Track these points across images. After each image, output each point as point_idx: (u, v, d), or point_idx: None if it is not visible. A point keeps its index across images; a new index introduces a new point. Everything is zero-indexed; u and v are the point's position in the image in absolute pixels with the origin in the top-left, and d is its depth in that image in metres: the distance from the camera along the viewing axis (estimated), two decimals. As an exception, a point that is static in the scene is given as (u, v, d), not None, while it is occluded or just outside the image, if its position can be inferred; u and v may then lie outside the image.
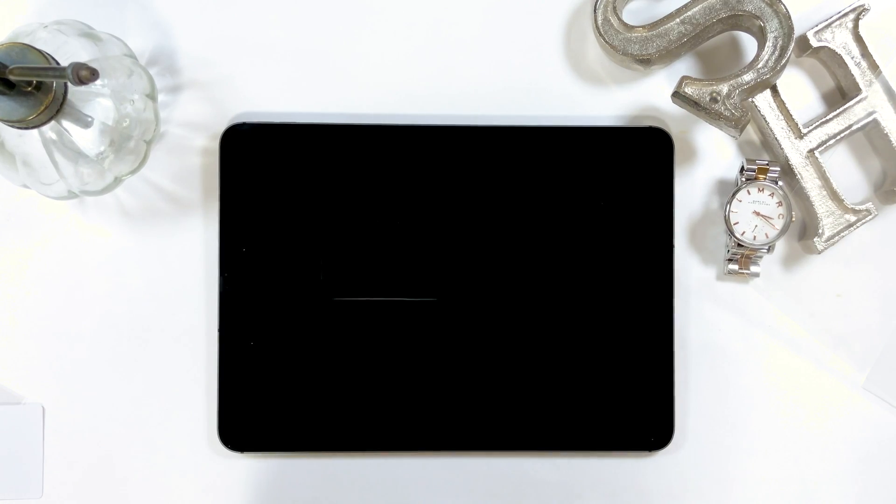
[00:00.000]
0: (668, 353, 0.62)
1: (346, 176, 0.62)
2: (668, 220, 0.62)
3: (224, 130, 0.62)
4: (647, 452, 0.63)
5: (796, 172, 0.61)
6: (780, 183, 0.61)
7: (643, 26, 0.61)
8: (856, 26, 0.61)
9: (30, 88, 0.53)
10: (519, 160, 0.62)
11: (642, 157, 0.62)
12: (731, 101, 0.59)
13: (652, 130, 0.62)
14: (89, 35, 0.58)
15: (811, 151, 0.61)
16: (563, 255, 0.62)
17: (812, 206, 0.61)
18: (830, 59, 0.62)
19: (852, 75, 0.61)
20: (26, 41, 0.54)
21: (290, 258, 0.62)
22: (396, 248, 0.62)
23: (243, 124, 0.62)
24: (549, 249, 0.62)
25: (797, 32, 0.60)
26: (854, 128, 0.61)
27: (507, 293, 0.62)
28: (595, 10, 0.61)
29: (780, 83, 0.61)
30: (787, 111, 0.61)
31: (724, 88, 0.59)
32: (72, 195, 0.58)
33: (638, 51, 0.61)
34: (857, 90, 0.61)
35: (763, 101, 0.61)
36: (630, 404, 0.62)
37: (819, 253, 0.61)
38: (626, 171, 0.62)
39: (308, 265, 0.62)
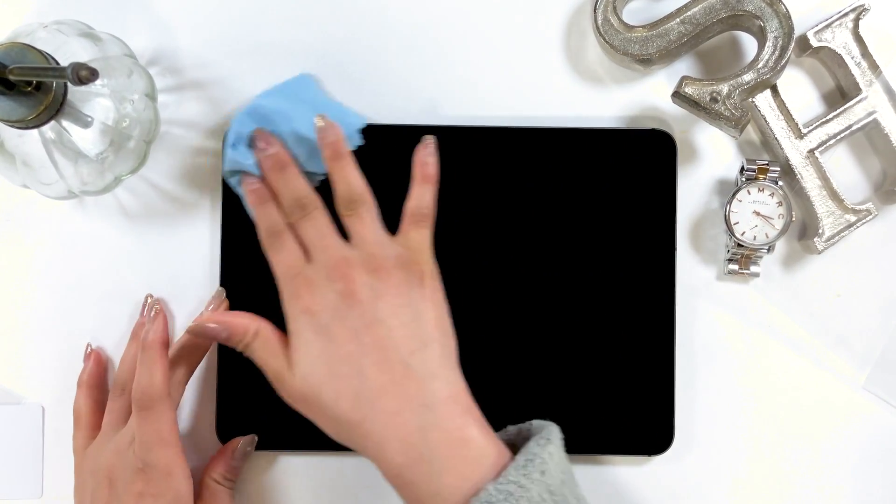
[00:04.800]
0: (670, 354, 0.61)
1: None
2: (671, 222, 0.62)
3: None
4: (646, 457, 0.62)
5: (796, 172, 0.61)
6: (780, 183, 0.61)
7: (643, 26, 0.61)
8: (856, 26, 0.61)
9: (30, 88, 0.53)
10: (522, 161, 0.62)
11: (645, 159, 0.62)
12: (731, 101, 0.59)
13: (655, 133, 0.62)
14: (89, 35, 0.58)
15: (811, 151, 0.61)
16: (566, 256, 0.62)
17: (812, 206, 0.61)
18: (830, 59, 0.62)
19: (852, 75, 0.61)
20: (26, 41, 0.54)
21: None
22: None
23: None
24: (551, 251, 0.62)
25: (797, 32, 0.60)
26: (854, 128, 0.61)
27: (508, 294, 0.62)
28: (595, 10, 0.61)
29: (781, 83, 0.61)
30: (788, 111, 0.61)
31: (724, 88, 0.59)
32: (72, 195, 0.58)
33: (638, 51, 0.61)
34: (858, 90, 0.61)
35: (763, 101, 0.61)
36: (631, 407, 0.61)
37: (819, 253, 0.61)
38: (629, 173, 0.62)
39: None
